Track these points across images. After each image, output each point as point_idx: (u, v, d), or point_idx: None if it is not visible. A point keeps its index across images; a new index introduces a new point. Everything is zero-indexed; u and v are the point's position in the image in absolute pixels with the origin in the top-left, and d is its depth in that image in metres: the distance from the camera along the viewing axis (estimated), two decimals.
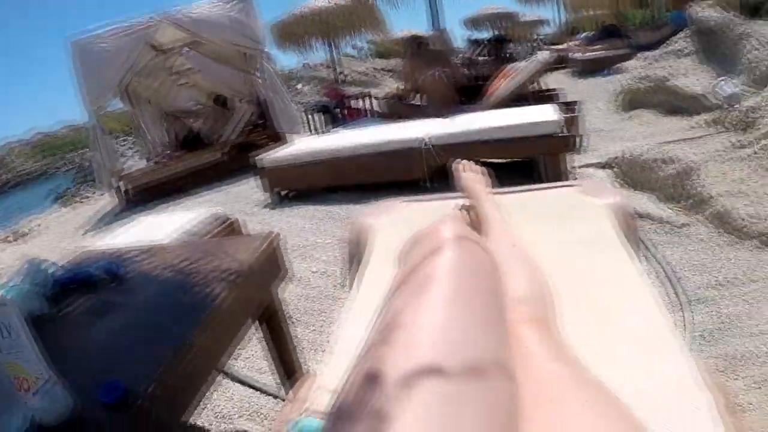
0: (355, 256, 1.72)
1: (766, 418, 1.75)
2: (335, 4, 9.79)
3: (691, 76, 6.37)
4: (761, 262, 2.63)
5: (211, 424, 2.05)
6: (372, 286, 1.38)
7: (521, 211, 1.61)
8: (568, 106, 5.36)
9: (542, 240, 1.42)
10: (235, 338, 1.47)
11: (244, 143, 7.85)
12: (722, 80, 5.47)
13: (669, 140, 4.65)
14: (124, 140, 15.51)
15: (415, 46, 6.30)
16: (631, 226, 1.65)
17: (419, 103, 6.48)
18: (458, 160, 1.72)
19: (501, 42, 7.89)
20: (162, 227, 3.03)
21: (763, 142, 3.95)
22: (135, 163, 10.24)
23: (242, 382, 2.29)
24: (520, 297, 0.82)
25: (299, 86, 17.85)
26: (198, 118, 9.57)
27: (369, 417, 0.46)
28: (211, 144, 8.11)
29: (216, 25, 7.15)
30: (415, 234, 0.81)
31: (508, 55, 7.34)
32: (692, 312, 2.35)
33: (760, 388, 1.88)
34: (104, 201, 7.64)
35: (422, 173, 4.41)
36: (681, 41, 7.33)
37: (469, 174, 1.60)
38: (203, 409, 2.11)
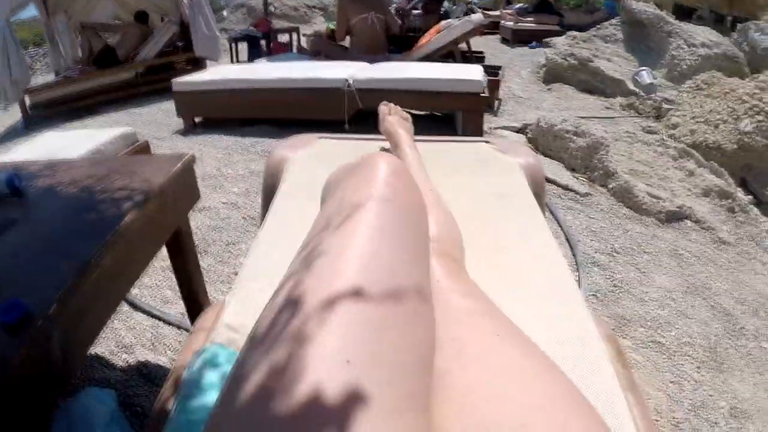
0: (270, 189, 1.68)
1: (651, 376, 1.89)
2: None
3: (614, 62, 6.61)
4: (655, 237, 2.81)
5: (113, 354, 1.96)
6: (284, 219, 1.38)
7: (438, 160, 1.63)
8: (493, 70, 5.44)
9: (456, 189, 1.45)
10: (144, 262, 1.38)
11: (160, 65, 7.44)
12: (643, 70, 5.71)
13: (584, 116, 4.80)
14: (34, 52, 14.37)
15: None
16: (540, 186, 1.71)
17: (348, 46, 6.37)
18: (386, 102, 1.69)
19: None
20: (68, 145, 2.83)
21: (671, 131, 4.18)
22: (44, 78, 9.49)
23: (145, 312, 2.20)
24: (433, 235, 0.84)
25: (225, 13, 17.07)
26: (116, 34, 8.96)
27: (290, 339, 0.46)
28: (126, 62, 7.63)
29: None
30: (344, 167, 0.82)
31: (442, 12, 7.29)
32: (588, 273, 2.46)
33: (646, 348, 2.02)
34: (8, 116, 7.08)
35: (343, 114, 4.33)
36: (611, 28, 7.57)
37: (395, 117, 1.60)
38: (104, 338, 2.03)
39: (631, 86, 5.76)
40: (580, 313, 1.03)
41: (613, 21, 7.68)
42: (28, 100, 6.52)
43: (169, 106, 5.36)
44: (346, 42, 6.49)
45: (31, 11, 7.59)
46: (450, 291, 0.71)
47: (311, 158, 1.75)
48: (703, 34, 6.40)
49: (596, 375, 0.87)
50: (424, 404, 0.48)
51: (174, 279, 2.32)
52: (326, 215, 0.67)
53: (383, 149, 1.54)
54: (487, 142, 1.92)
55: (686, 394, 1.83)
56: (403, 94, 4.07)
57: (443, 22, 5.98)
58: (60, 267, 1.04)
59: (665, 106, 4.82)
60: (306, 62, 5.71)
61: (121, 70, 7.23)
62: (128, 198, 1.31)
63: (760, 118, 3.69)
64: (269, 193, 1.67)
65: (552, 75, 6.63)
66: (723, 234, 2.90)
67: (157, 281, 2.40)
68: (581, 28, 8.58)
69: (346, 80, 4.36)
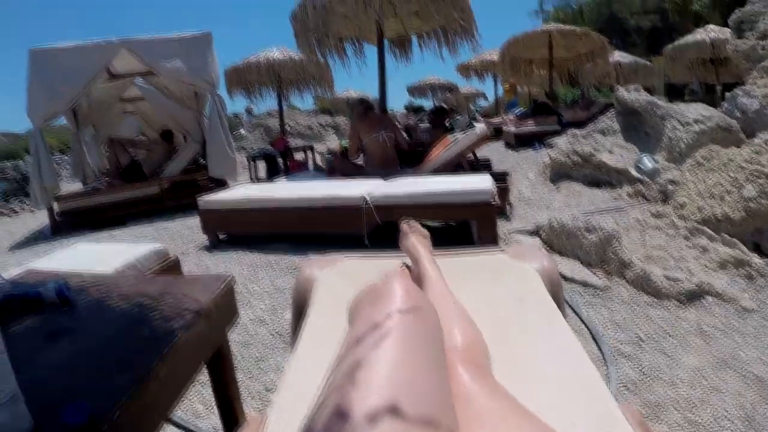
0: (300, 306, 1.76)
1: None
2: (289, 58, 10.07)
3: (616, 153, 6.82)
4: (679, 319, 2.87)
5: None
6: (316, 337, 1.42)
7: (457, 272, 1.70)
8: (500, 176, 5.65)
9: (476, 298, 1.51)
10: (189, 376, 1.45)
11: (185, 181, 7.83)
12: (644, 156, 5.87)
13: (593, 210, 4.97)
14: (59, 158, 15.11)
15: (362, 109, 6.50)
16: (557, 287, 1.77)
17: (361, 163, 6.68)
18: (405, 219, 1.83)
19: (441, 113, 8.26)
20: (103, 258, 2.94)
21: (680, 212, 4.28)
22: (67, 185, 9.91)
23: (178, 425, 2.25)
24: (456, 345, 0.91)
25: (242, 131, 17.87)
26: (142, 150, 9.45)
27: None
28: (152, 177, 8.00)
29: (173, 61, 7.10)
30: (365, 289, 0.89)
31: (447, 125, 7.66)
32: (616, 365, 2.49)
33: (683, 430, 2.04)
34: (35, 219, 7.33)
35: (362, 230, 4.52)
36: (607, 120, 7.83)
37: (415, 234, 1.73)
38: None
39: (635, 174, 5.92)
40: (608, 405, 1.05)
41: (609, 113, 7.95)
42: (56, 207, 6.85)
43: (194, 221, 5.61)
44: (359, 158, 6.78)
45: (59, 119, 8.04)
46: (476, 393, 0.76)
47: (338, 277, 1.83)
48: (694, 110, 6.56)
49: None
50: None
51: (204, 394, 2.41)
52: (354, 333, 0.75)
53: (404, 265, 1.63)
54: (501, 250, 2.01)
55: None
56: (418, 208, 4.29)
57: (449, 136, 6.26)
58: (119, 375, 1.11)
59: (670, 187, 4.94)
60: (324, 181, 6.01)
61: (146, 185, 7.63)
62: (178, 316, 1.41)
63: (761, 181, 3.81)
64: (299, 310, 1.75)
65: (558, 173, 6.87)
66: (745, 302, 2.94)
67: (188, 395, 2.44)
68: (579, 124, 8.91)
69: (364, 197, 4.56)
